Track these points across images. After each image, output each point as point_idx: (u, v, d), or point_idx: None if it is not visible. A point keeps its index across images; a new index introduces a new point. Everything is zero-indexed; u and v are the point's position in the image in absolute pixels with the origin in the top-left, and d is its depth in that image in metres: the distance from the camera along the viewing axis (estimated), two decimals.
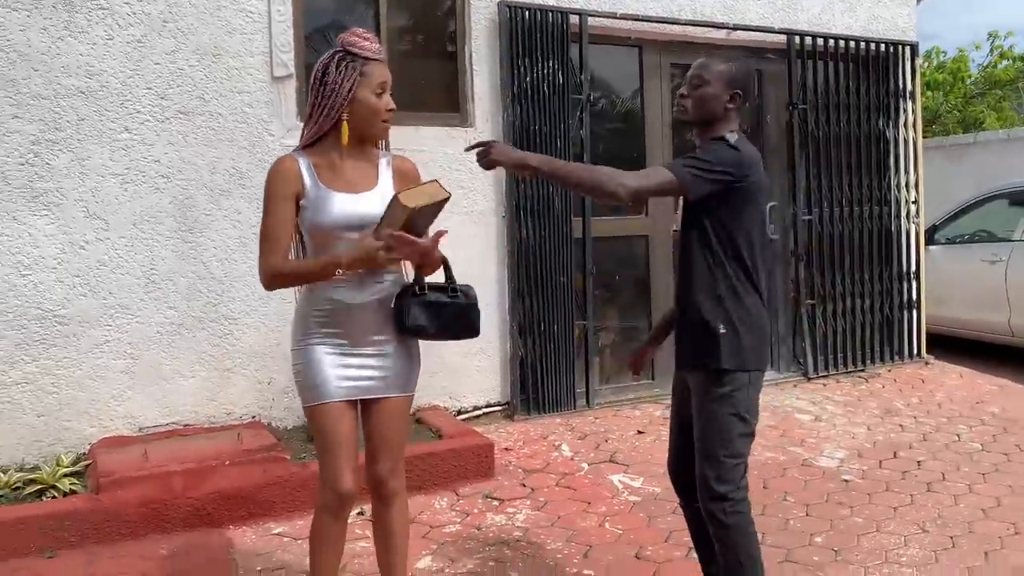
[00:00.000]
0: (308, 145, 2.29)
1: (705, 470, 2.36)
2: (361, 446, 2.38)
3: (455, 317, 2.34)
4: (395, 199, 2.12)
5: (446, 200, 2.19)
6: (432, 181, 2.23)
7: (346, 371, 2.27)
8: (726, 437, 2.33)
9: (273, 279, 2.25)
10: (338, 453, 2.27)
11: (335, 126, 2.25)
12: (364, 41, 2.25)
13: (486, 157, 2.27)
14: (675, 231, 2.48)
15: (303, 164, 2.25)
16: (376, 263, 2.16)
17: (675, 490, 2.66)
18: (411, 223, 2.14)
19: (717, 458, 2.33)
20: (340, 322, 2.26)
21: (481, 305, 4.97)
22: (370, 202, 2.26)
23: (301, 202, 2.24)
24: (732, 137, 2.33)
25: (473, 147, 2.32)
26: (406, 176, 2.36)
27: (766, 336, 2.38)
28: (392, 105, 2.27)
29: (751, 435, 2.38)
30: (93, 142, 3.76)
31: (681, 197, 2.37)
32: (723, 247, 2.32)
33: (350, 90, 2.21)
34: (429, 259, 2.23)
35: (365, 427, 2.37)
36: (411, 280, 2.33)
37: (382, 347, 2.30)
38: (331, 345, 2.27)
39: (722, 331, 2.31)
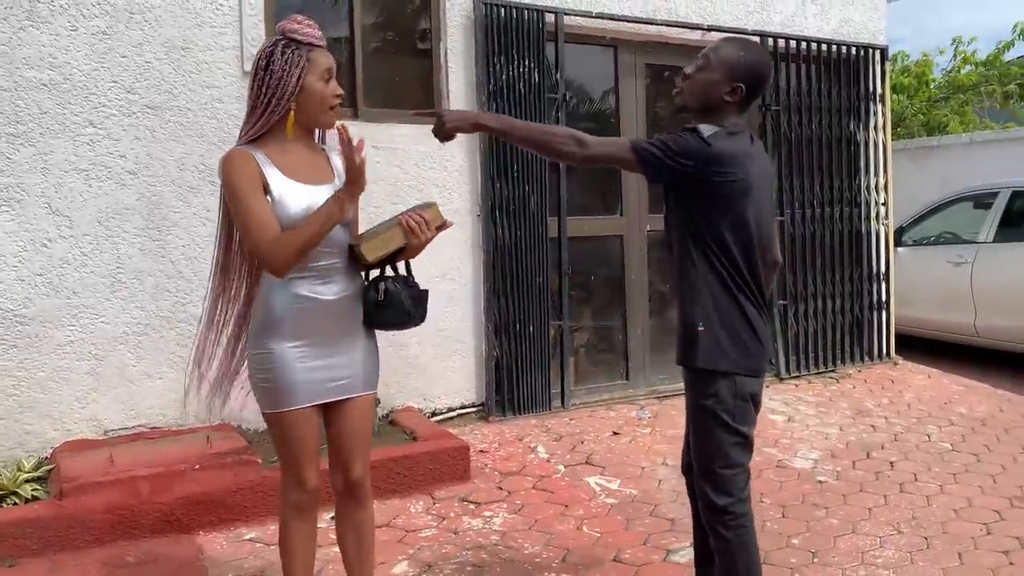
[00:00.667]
0: (251, 140, 2.18)
1: (703, 483, 2.29)
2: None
3: (426, 303, 2.37)
4: (355, 250, 2.22)
5: (403, 247, 2.25)
6: (431, 205, 2.28)
7: (316, 373, 2.20)
8: (718, 449, 2.25)
9: (290, 256, 2.06)
10: (306, 454, 2.23)
11: (283, 118, 2.15)
12: (306, 28, 2.17)
13: (442, 129, 2.23)
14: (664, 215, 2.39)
15: (259, 157, 2.14)
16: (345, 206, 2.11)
17: (686, 482, 2.56)
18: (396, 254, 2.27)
19: (713, 471, 2.27)
20: (310, 320, 2.18)
21: (456, 305, 4.97)
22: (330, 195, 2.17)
23: (267, 195, 2.12)
24: (707, 130, 2.19)
25: (421, 113, 2.30)
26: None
27: (753, 339, 2.25)
28: (339, 91, 2.21)
29: (746, 442, 2.28)
30: (56, 136, 3.64)
31: (664, 193, 2.32)
32: (700, 245, 2.23)
33: (299, 78, 2.13)
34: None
35: (333, 429, 2.30)
36: (385, 272, 2.31)
37: (350, 345, 2.26)
38: (299, 346, 2.18)
39: (699, 329, 2.23)
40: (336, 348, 2.23)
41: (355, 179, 2.10)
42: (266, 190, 2.12)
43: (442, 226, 2.28)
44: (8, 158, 3.55)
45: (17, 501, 3.20)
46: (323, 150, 2.32)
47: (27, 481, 3.30)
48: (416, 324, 2.36)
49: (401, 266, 2.35)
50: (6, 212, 3.56)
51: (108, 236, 3.76)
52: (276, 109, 2.14)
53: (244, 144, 2.19)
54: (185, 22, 3.89)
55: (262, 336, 2.20)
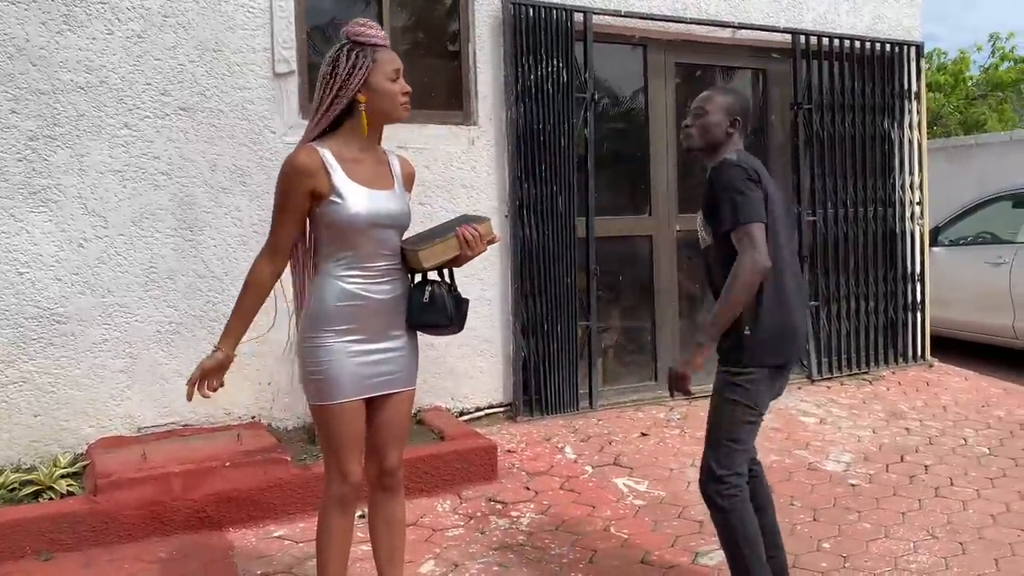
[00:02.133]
0: (319, 137, 2.26)
1: (708, 452, 2.50)
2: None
3: (466, 312, 2.45)
4: (409, 255, 2.32)
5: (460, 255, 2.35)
6: (484, 219, 2.39)
7: (365, 368, 2.27)
8: (731, 422, 2.46)
9: (251, 278, 2.26)
10: (351, 447, 2.29)
11: (350, 116, 2.24)
12: (370, 29, 2.24)
13: (682, 386, 2.44)
14: (705, 246, 2.60)
15: (326, 155, 2.21)
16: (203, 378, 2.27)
17: None
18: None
19: (720, 442, 2.47)
20: (361, 317, 2.26)
21: (484, 305, 4.97)
22: (392, 200, 2.30)
23: (328, 198, 2.19)
24: (732, 157, 2.50)
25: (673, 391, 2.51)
26: (410, 180, 2.45)
27: (787, 334, 2.48)
28: (408, 88, 2.28)
29: (755, 424, 2.51)
30: (92, 138, 3.71)
31: (699, 215, 2.60)
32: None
33: (363, 77, 2.21)
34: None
35: (375, 420, 2.36)
36: (434, 275, 2.40)
37: (396, 341, 2.33)
38: (351, 340, 2.25)
39: (746, 333, 2.43)
40: (383, 344, 2.30)
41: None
42: (328, 190, 2.19)
43: (491, 240, 2.39)
44: (46, 159, 3.63)
45: (53, 496, 3.27)
46: (386, 154, 2.39)
47: (63, 477, 3.37)
48: (455, 331, 2.43)
49: (446, 273, 2.43)
50: (44, 212, 3.64)
51: (142, 236, 3.82)
52: (338, 104, 2.22)
53: (314, 140, 2.25)
54: (217, 24, 3.95)
55: (313, 328, 2.26)
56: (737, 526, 2.43)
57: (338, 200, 2.19)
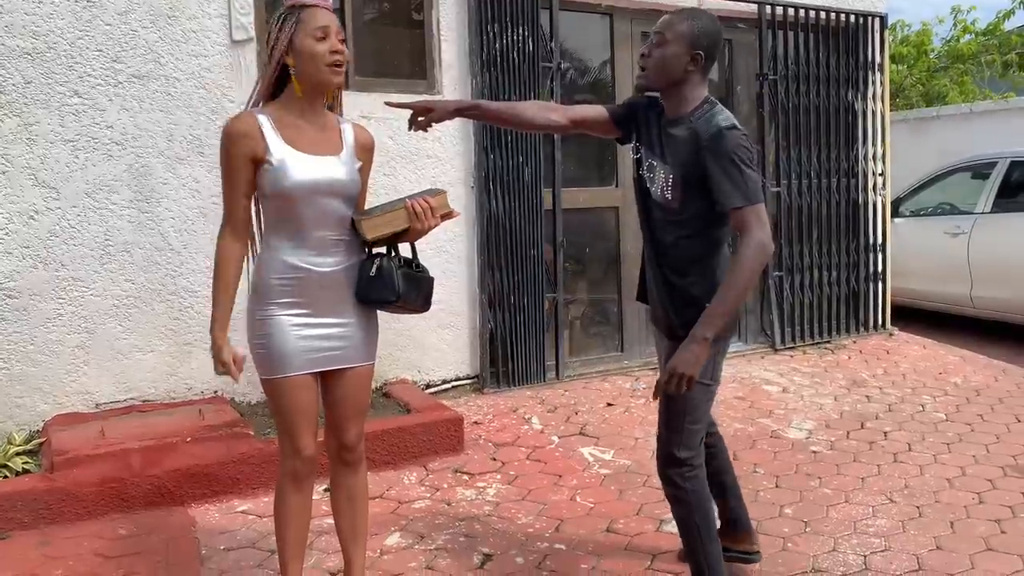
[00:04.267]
0: (261, 104, 2.22)
1: (669, 435, 2.39)
2: (321, 416, 2.34)
3: (428, 290, 2.36)
4: (356, 225, 2.23)
5: (407, 228, 2.25)
6: (440, 192, 2.29)
7: (311, 342, 2.21)
8: (693, 406, 2.36)
9: (216, 259, 2.22)
10: (302, 422, 2.24)
11: (286, 81, 2.18)
12: None
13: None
14: (656, 203, 2.39)
15: (264, 121, 2.16)
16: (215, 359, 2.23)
17: None
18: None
19: (682, 426, 2.37)
20: (305, 290, 2.19)
21: (450, 278, 4.93)
22: (336, 167, 2.21)
23: (264, 164, 2.13)
24: (727, 118, 2.25)
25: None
26: (366, 149, 2.34)
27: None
28: (337, 47, 2.15)
29: (712, 400, 2.45)
30: (41, 107, 3.58)
31: (671, 176, 2.31)
32: (717, 228, 2.34)
33: (287, 39, 2.13)
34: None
35: (330, 396, 2.33)
36: (386, 250, 2.31)
37: (345, 316, 2.26)
38: (295, 315, 2.20)
39: (707, 306, 2.26)
40: (332, 318, 2.23)
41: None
42: (264, 154, 2.13)
43: (448, 215, 2.30)
44: None
45: (8, 475, 3.19)
46: (338, 122, 2.30)
47: (18, 455, 3.29)
48: (410, 309, 2.34)
49: (408, 250, 2.36)
50: None
51: (96, 208, 3.71)
52: (269, 73, 2.18)
53: (253, 107, 2.22)
54: None
55: (257, 302, 2.23)
56: (694, 504, 2.38)
57: (272, 164, 2.13)
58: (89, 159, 3.69)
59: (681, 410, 2.35)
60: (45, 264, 3.62)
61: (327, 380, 2.31)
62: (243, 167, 2.15)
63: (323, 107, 2.26)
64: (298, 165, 2.14)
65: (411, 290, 2.29)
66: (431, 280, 2.37)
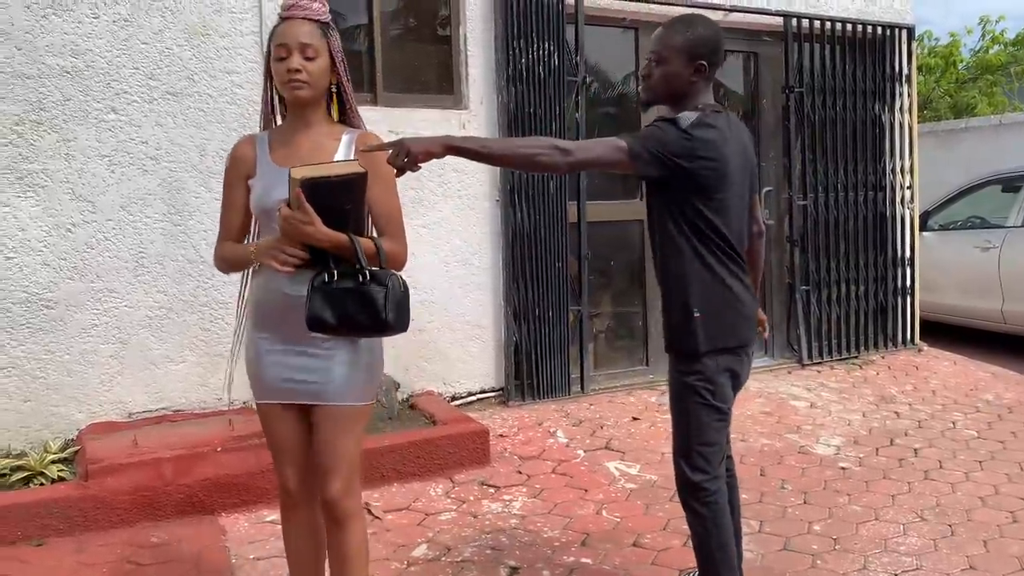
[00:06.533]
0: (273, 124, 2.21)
1: (680, 460, 2.37)
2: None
3: (360, 306, 1.94)
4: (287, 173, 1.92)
5: (357, 177, 1.92)
6: (352, 161, 2.00)
7: (279, 371, 2.08)
8: (699, 428, 2.33)
9: (218, 263, 2.20)
10: (279, 454, 2.17)
11: (281, 100, 2.15)
12: (288, 3, 2.08)
13: (406, 156, 1.98)
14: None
15: (259, 142, 2.14)
16: (273, 256, 1.99)
17: None
18: (321, 205, 1.89)
19: (691, 448, 2.34)
20: (280, 316, 2.05)
21: (475, 290, 4.93)
22: None
23: (250, 182, 2.11)
24: (685, 120, 2.19)
25: (372, 149, 2.03)
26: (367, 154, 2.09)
27: (739, 317, 2.33)
28: (293, 65, 1.99)
29: (724, 420, 2.37)
30: (79, 123, 3.67)
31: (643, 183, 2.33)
32: (683, 231, 2.27)
33: (266, 58, 2.11)
34: (306, 236, 1.94)
35: (312, 434, 2.13)
36: (329, 263, 2.00)
37: (326, 348, 2.04)
38: (271, 341, 2.09)
39: (696, 315, 2.28)
40: (303, 348, 2.04)
41: (285, 228, 1.96)
42: (252, 174, 2.11)
43: (352, 179, 1.94)
44: (32, 144, 3.59)
45: (44, 482, 3.26)
46: (343, 133, 2.13)
47: (53, 462, 3.35)
48: (349, 333, 1.99)
49: (362, 258, 2.00)
50: (31, 197, 3.60)
51: (131, 221, 3.79)
52: (263, 95, 2.18)
53: (266, 129, 2.20)
54: (205, 8, 3.90)
55: (247, 325, 2.19)
56: (712, 531, 2.34)
57: (255, 183, 2.09)
58: (124, 173, 3.77)
59: (686, 431, 2.35)
60: (81, 275, 3.70)
61: (309, 418, 2.12)
62: (235, 187, 2.14)
63: (321, 120, 2.12)
64: (274, 180, 2.02)
65: (365, 311, 1.94)
66: (362, 293, 1.94)
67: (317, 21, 2.06)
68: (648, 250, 5.16)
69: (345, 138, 2.11)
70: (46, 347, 3.65)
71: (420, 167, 2.04)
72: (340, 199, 1.94)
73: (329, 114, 2.15)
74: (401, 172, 2.03)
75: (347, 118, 2.18)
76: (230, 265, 2.19)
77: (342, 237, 1.95)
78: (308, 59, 2.02)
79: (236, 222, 2.17)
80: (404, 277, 2.06)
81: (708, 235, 2.27)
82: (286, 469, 2.17)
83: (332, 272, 1.96)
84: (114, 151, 3.75)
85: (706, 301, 2.28)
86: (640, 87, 2.34)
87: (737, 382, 2.40)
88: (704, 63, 2.24)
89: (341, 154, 2.08)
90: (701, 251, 2.27)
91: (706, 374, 2.29)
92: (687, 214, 2.26)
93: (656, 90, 2.30)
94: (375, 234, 2.11)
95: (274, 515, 3.27)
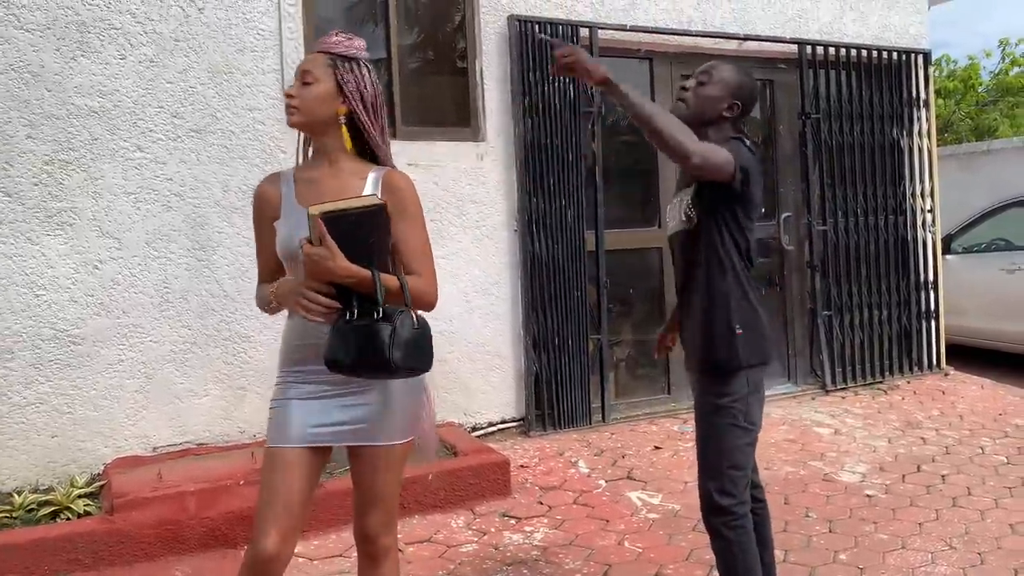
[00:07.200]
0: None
1: (708, 483, 2.36)
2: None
3: (367, 345, 1.84)
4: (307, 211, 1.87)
5: (377, 209, 1.88)
6: (371, 195, 1.97)
7: (318, 416, 1.99)
8: (730, 450, 2.33)
9: (258, 305, 2.13)
10: (270, 507, 1.93)
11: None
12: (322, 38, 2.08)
13: (567, 60, 2.19)
14: (677, 232, 2.46)
15: (284, 180, 2.07)
16: (296, 302, 1.91)
17: None
18: (343, 240, 1.83)
19: (720, 470, 2.33)
20: (314, 359, 1.94)
21: (495, 320, 4.94)
22: None
23: (275, 223, 2.03)
24: (747, 141, 2.35)
25: (551, 42, 2.25)
26: (392, 190, 2.00)
27: (765, 332, 2.38)
28: (289, 92, 2.01)
29: (753, 444, 2.38)
30: (106, 161, 3.77)
31: (687, 199, 2.38)
32: (732, 248, 2.35)
33: None
34: (328, 272, 1.85)
35: (351, 475, 2.10)
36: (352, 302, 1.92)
37: (361, 388, 1.98)
38: (306, 383, 2.00)
39: (739, 331, 2.32)
40: (347, 389, 1.98)
41: (307, 265, 1.87)
42: (277, 214, 2.05)
43: (371, 211, 1.90)
44: (60, 183, 3.68)
45: (70, 516, 3.29)
46: (360, 172, 2.04)
47: (80, 497, 3.39)
48: (363, 374, 1.90)
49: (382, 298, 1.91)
50: (59, 235, 3.69)
51: (156, 257, 3.86)
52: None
53: (296, 166, 2.14)
54: (227, 47, 4.00)
55: (279, 367, 2.10)
56: (739, 556, 2.31)
57: (280, 224, 2.01)
58: (149, 210, 3.85)
59: (718, 452, 2.34)
60: (108, 311, 3.77)
61: (350, 457, 2.09)
62: (263, 229, 2.09)
63: (344, 158, 2.04)
64: (302, 223, 1.89)
65: (346, 350, 1.84)
66: (370, 331, 1.84)
67: (328, 52, 2.05)
68: (667, 277, 5.20)
69: (371, 176, 2.03)
70: (73, 383, 3.71)
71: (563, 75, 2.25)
72: (362, 233, 1.88)
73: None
74: (557, 72, 2.24)
75: (369, 152, 2.09)
76: (263, 306, 2.12)
77: (366, 273, 1.87)
78: (305, 84, 2.01)
79: (270, 264, 2.11)
80: (424, 315, 1.96)
81: (745, 253, 2.38)
82: (270, 527, 1.90)
83: (353, 310, 1.88)
84: (139, 188, 3.83)
85: (746, 317, 2.34)
86: (676, 98, 2.42)
87: (761, 402, 2.43)
88: (739, 104, 2.37)
89: (368, 191, 2.01)
90: (738, 268, 2.36)
91: (740, 394, 2.32)
92: (733, 232, 2.35)
93: (692, 105, 2.37)
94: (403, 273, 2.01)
95: (297, 548, 3.28)
